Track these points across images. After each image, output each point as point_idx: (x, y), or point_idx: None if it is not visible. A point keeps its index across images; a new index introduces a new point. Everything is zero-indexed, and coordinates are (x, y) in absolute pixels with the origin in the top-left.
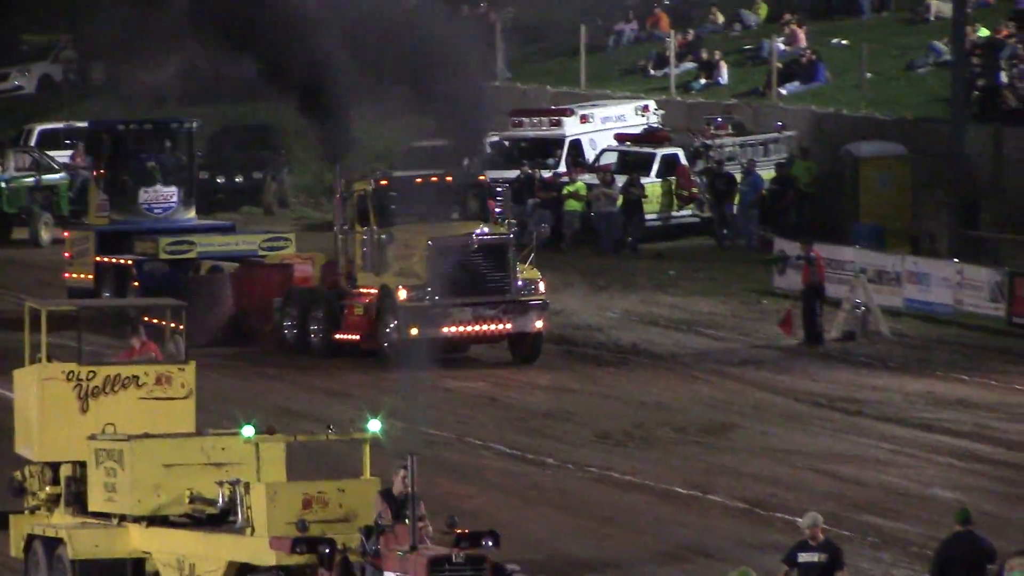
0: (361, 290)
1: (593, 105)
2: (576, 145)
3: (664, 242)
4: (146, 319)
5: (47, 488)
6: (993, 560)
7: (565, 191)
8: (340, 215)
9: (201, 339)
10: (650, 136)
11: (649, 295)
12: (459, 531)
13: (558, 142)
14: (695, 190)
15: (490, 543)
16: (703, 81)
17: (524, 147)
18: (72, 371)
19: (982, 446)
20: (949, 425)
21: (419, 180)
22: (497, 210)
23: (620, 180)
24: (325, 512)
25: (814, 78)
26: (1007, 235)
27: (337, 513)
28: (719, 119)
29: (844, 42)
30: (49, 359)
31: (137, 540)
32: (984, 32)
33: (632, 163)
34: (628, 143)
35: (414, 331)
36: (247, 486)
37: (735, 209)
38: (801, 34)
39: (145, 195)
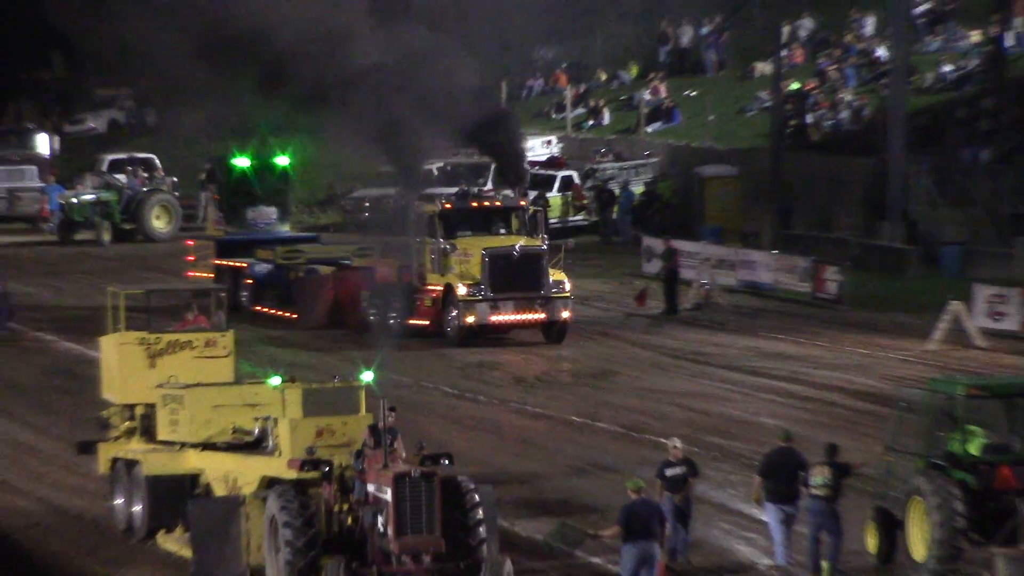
0: (429, 287)
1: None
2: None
3: (567, 237)
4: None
5: (126, 423)
6: (804, 468)
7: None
8: (414, 230)
9: (308, 323)
10: (552, 162)
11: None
12: (424, 453)
13: (487, 166)
14: (585, 201)
15: (446, 461)
16: (591, 122)
17: (461, 170)
18: (143, 338)
19: (794, 386)
20: (770, 371)
21: (474, 204)
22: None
23: (532, 194)
24: (332, 440)
25: (672, 120)
26: (813, 233)
27: (341, 440)
28: (602, 150)
29: (693, 93)
30: (126, 329)
31: (194, 461)
32: (795, 85)
33: (539, 182)
34: (536, 167)
35: (470, 319)
36: (275, 421)
37: (615, 215)
38: (662, 88)
39: (252, 213)
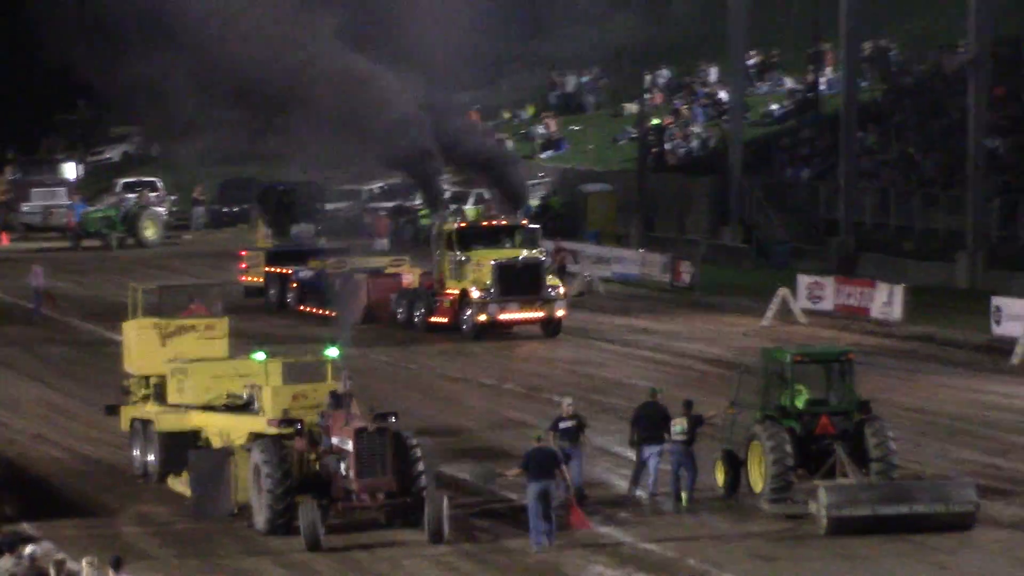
0: (448, 291)
1: None
2: None
3: None
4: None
5: (142, 390)
6: (668, 420)
7: (420, 213)
8: (435, 244)
9: (346, 321)
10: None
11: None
12: (377, 412)
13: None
14: (492, 212)
15: (393, 419)
16: None
17: (398, 188)
18: (157, 323)
19: (659, 355)
20: (639, 343)
21: (485, 223)
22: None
23: (452, 207)
24: (306, 402)
25: (560, 148)
26: (671, 235)
27: (312, 403)
28: None
29: (577, 127)
30: (143, 315)
31: (196, 420)
32: (656, 121)
33: (458, 196)
34: (456, 186)
35: (482, 316)
36: (260, 388)
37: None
38: (552, 123)
39: (295, 229)
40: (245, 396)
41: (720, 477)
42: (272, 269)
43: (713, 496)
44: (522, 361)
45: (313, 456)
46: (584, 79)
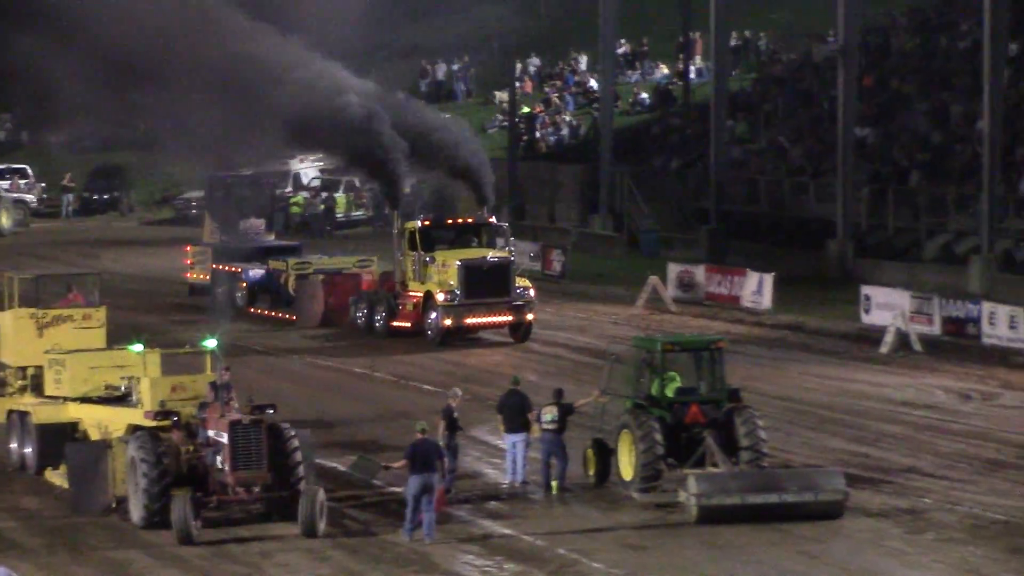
0: (410, 293)
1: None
2: (297, 176)
3: (346, 229)
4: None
5: (19, 382)
6: (530, 408)
7: (291, 201)
8: (397, 243)
9: (308, 324)
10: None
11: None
12: (254, 404)
13: (287, 174)
14: (364, 200)
15: (271, 411)
16: None
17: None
18: (34, 312)
19: (530, 343)
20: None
21: (449, 221)
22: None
23: (323, 195)
24: (184, 394)
25: None
26: (542, 224)
27: (191, 395)
28: None
29: (449, 115)
30: (20, 305)
31: (74, 411)
32: (526, 109)
33: (329, 185)
34: (326, 173)
35: (448, 321)
36: (138, 379)
37: (387, 210)
38: None
39: (243, 224)
40: (123, 388)
41: (590, 466)
42: (220, 267)
43: (583, 485)
44: (392, 350)
45: (190, 449)
46: (455, 67)
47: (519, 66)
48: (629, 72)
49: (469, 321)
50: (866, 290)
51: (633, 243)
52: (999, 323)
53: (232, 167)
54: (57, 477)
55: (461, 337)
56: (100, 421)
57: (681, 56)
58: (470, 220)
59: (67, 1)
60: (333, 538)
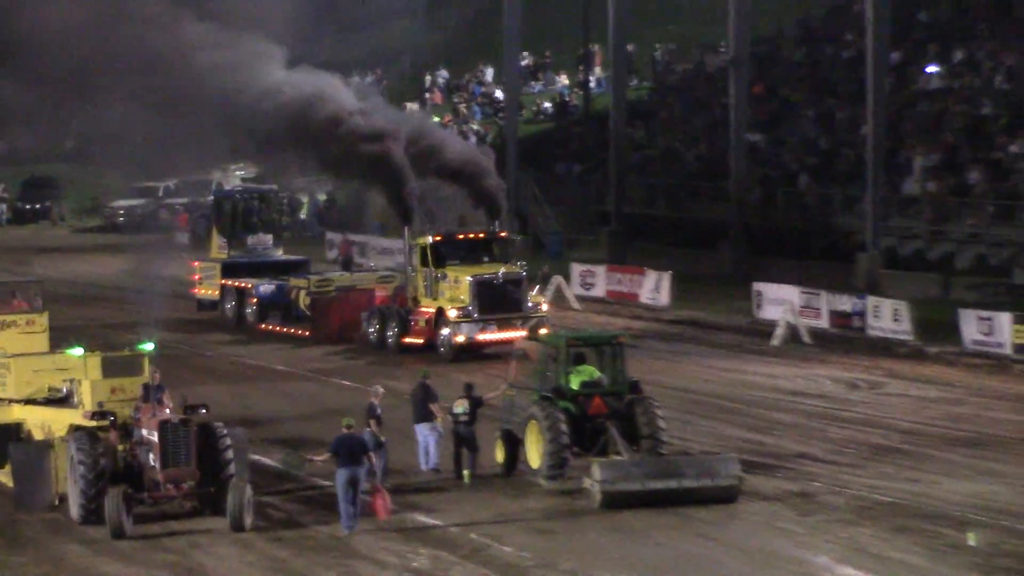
0: (423, 309)
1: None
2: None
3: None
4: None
5: None
6: (434, 399)
7: None
8: (408, 259)
9: (322, 340)
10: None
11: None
12: (187, 404)
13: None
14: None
15: (203, 410)
16: None
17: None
18: None
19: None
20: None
21: (460, 236)
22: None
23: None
24: (123, 395)
25: None
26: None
27: (130, 396)
28: None
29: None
30: None
31: (18, 413)
32: (436, 119)
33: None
34: (247, 183)
35: (460, 337)
36: (79, 382)
37: (304, 216)
38: None
39: (251, 239)
40: (64, 390)
41: (500, 455)
42: (228, 282)
43: (493, 473)
44: (309, 348)
45: (126, 448)
46: (367, 79)
47: (428, 78)
48: (532, 83)
49: (481, 337)
50: (758, 286)
51: (538, 245)
52: (883, 316)
53: (162, 177)
54: (2, 475)
55: (474, 353)
56: (43, 422)
57: (581, 67)
58: (481, 235)
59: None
60: (261, 530)
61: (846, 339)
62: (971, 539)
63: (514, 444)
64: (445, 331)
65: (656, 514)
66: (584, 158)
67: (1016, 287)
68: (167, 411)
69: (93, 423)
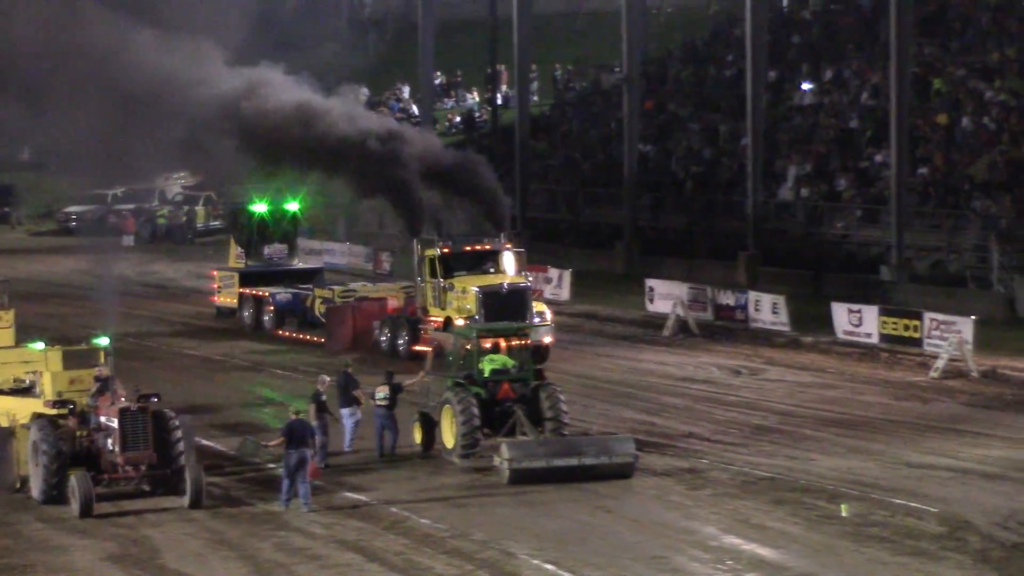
0: (432, 318)
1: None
2: (162, 192)
3: (205, 237)
4: None
5: None
6: (355, 386)
7: (158, 213)
8: (417, 271)
9: (336, 348)
10: (199, 186)
11: (201, 262)
12: (140, 393)
13: (153, 191)
14: (220, 212)
15: (155, 399)
16: None
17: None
18: None
19: None
20: None
21: (468, 248)
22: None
23: (185, 207)
24: (82, 386)
25: None
26: (373, 230)
27: (87, 386)
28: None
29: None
30: None
31: None
32: None
33: (189, 198)
34: (187, 189)
35: (468, 345)
36: (40, 374)
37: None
38: None
39: (268, 250)
40: (28, 381)
41: (418, 436)
42: (246, 291)
43: (412, 452)
44: (245, 339)
45: (84, 434)
46: None
47: (352, 96)
48: (445, 99)
49: (487, 345)
50: (650, 282)
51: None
52: (763, 309)
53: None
54: None
55: None
56: (8, 410)
57: (489, 86)
58: (488, 247)
59: None
60: (206, 508)
61: (730, 330)
62: (843, 510)
63: (431, 426)
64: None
65: (559, 489)
66: (492, 168)
67: (882, 283)
68: (122, 399)
69: (54, 411)
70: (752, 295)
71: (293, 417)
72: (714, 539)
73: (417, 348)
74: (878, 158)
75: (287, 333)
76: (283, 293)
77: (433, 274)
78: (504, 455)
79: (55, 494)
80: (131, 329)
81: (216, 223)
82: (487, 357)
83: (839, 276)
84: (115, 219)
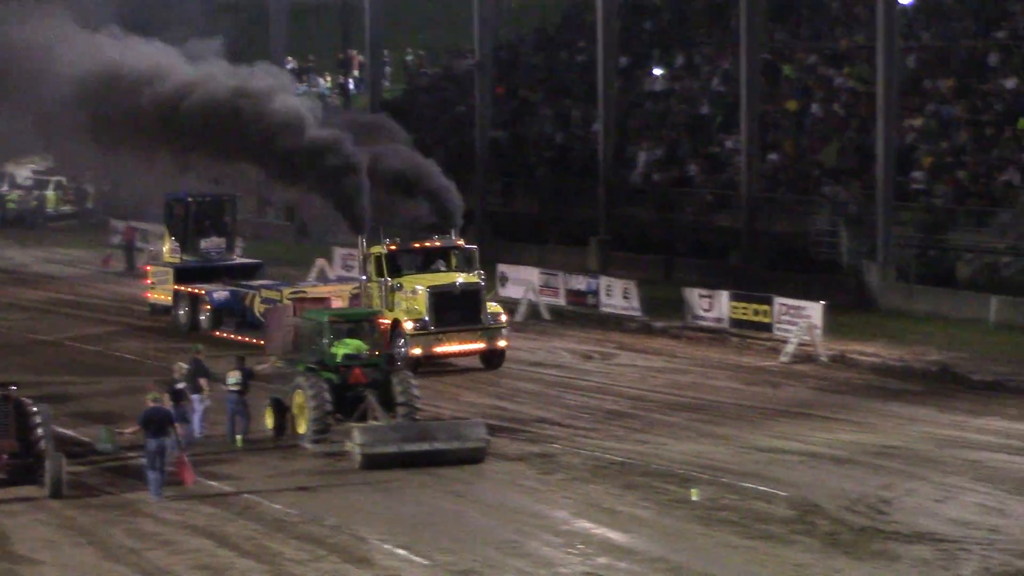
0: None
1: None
2: (12, 176)
3: (56, 222)
4: None
5: None
6: (203, 373)
7: (7, 198)
8: (362, 270)
9: (276, 351)
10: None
11: (52, 248)
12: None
13: (3, 175)
14: (71, 196)
15: (14, 388)
16: None
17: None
18: None
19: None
20: None
21: (416, 245)
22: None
23: (35, 192)
24: None
25: None
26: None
27: None
28: None
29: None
30: None
31: None
32: None
33: (39, 183)
34: (37, 174)
35: (417, 350)
36: None
37: (89, 205)
38: None
39: (204, 243)
40: None
41: (269, 421)
42: (181, 288)
43: (264, 438)
44: (90, 325)
45: None
46: None
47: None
48: (297, 84)
49: (439, 350)
50: (502, 268)
51: (302, 232)
52: (614, 294)
53: None
54: None
55: (431, 366)
56: None
57: (341, 71)
58: (438, 244)
59: None
60: (74, 500)
61: (581, 315)
62: (694, 494)
63: (282, 411)
64: (401, 343)
65: (411, 474)
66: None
67: (732, 268)
68: None
69: None
70: (604, 280)
71: (150, 404)
72: (565, 523)
73: None
74: (729, 144)
75: (225, 334)
76: (220, 291)
77: (380, 273)
78: (356, 440)
79: None
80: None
81: (67, 208)
82: (340, 342)
83: (690, 261)
84: None
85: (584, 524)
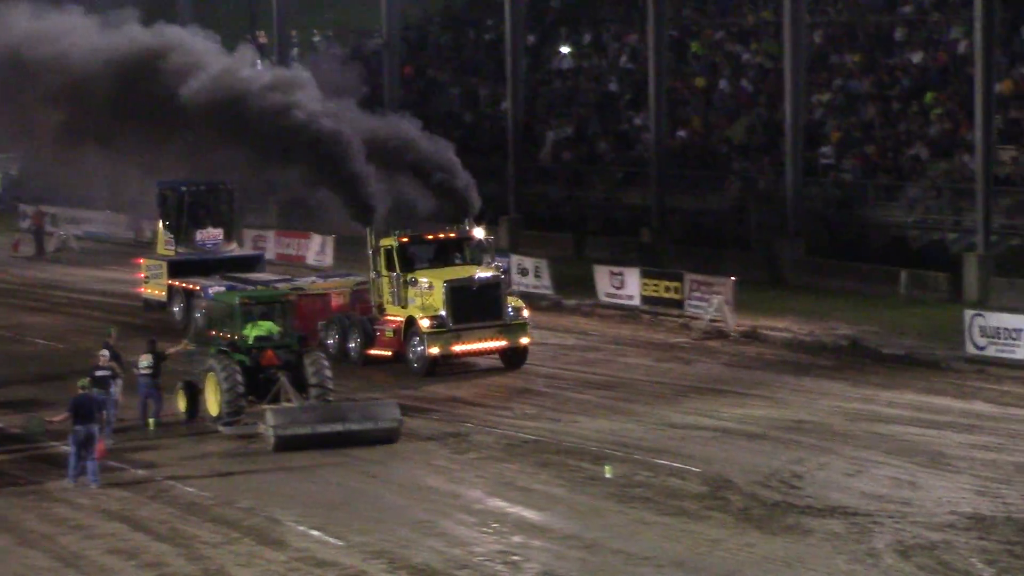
0: (389, 318)
1: None
2: None
3: None
4: None
5: None
6: (119, 358)
7: None
8: (372, 264)
9: (188, 333)
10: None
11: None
12: None
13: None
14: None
15: None
16: None
17: None
18: None
19: (112, 300)
20: (108, 291)
21: (430, 237)
22: (489, 258)
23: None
24: None
25: None
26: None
27: None
28: None
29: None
30: None
31: None
32: None
33: None
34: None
35: (434, 349)
36: None
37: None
38: None
39: (200, 235)
40: None
41: (182, 404)
42: (175, 283)
43: (176, 421)
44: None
45: None
46: None
47: None
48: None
49: (458, 348)
50: None
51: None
52: (526, 273)
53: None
54: None
55: (449, 367)
56: None
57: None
58: (452, 235)
59: None
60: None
61: None
62: (607, 471)
63: (195, 394)
64: (416, 342)
65: (324, 455)
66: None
67: (643, 245)
68: None
69: None
70: (514, 259)
71: (80, 392)
72: (479, 502)
73: (372, 352)
74: (637, 121)
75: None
76: (216, 287)
77: (391, 267)
78: (269, 422)
79: None
80: None
81: None
82: (251, 324)
83: (601, 239)
84: None
85: (498, 503)
